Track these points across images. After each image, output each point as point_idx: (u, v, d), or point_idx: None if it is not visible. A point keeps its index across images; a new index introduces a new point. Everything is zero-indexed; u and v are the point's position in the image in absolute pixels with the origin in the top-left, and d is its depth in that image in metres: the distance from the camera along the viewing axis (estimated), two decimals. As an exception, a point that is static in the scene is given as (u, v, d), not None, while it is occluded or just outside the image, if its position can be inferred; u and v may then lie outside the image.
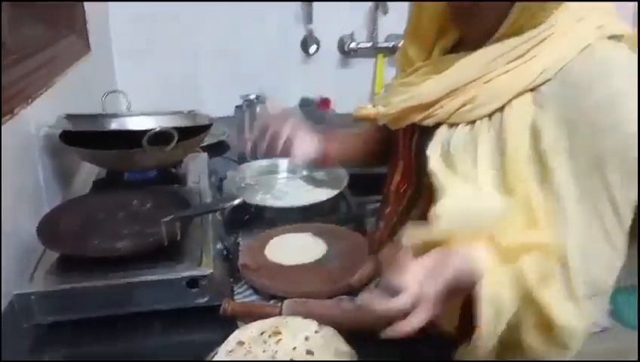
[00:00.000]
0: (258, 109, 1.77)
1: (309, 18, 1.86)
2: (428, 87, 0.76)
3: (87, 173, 1.23)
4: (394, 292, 0.60)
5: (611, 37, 0.67)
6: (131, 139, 1.05)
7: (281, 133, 0.95)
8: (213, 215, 1.01)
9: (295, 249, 1.00)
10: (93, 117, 1.15)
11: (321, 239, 1.04)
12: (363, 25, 1.94)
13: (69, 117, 1.12)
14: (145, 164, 1.12)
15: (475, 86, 0.71)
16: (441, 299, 0.61)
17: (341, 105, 1.99)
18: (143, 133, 1.03)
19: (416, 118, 0.78)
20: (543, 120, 0.66)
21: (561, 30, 0.68)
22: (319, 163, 1.01)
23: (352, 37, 1.92)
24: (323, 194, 1.24)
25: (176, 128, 1.06)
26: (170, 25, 1.84)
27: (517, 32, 0.69)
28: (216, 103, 1.84)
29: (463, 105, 0.72)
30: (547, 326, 0.65)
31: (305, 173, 1.40)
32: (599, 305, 0.69)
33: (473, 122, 0.72)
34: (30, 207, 1.02)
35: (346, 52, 1.94)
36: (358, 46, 1.93)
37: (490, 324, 0.61)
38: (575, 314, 0.65)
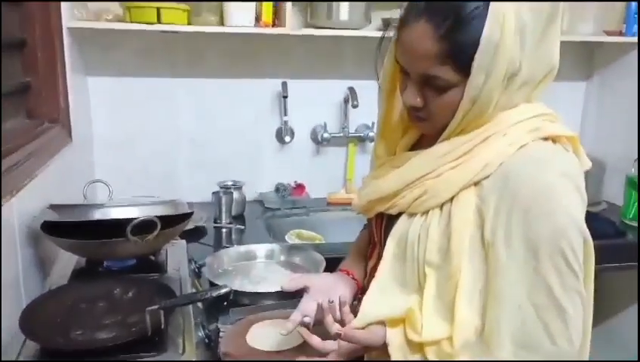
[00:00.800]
0: (235, 195, 1.83)
1: (284, 111, 1.97)
2: (389, 181, 0.85)
3: (66, 262, 1.23)
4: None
5: (546, 138, 0.77)
6: (112, 228, 1.07)
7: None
8: (193, 302, 1.02)
9: (276, 334, 1.02)
10: (76, 207, 1.18)
11: (301, 324, 1.05)
12: (334, 116, 2.06)
13: (53, 207, 1.14)
14: (126, 253, 1.14)
15: (427, 179, 0.80)
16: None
17: (315, 190, 2.06)
18: (126, 222, 1.06)
19: (382, 207, 0.87)
20: (485, 211, 0.75)
21: (502, 131, 0.77)
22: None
23: (324, 127, 2.03)
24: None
25: (158, 217, 1.10)
26: (149, 115, 1.92)
27: (463, 131, 0.78)
28: (193, 189, 1.90)
29: (419, 196, 0.81)
30: None
31: (282, 258, 1.43)
32: None
33: (427, 212, 0.80)
34: (8, 299, 1.02)
35: (319, 141, 2.04)
36: (331, 135, 2.03)
37: None
38: None
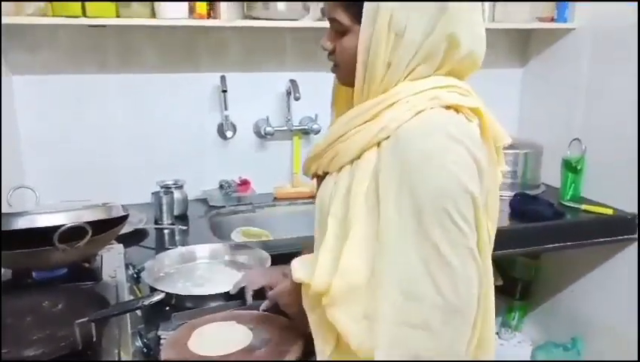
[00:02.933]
0: (177, 195, 1.77)
1: (224, 105, 1.91)
2: (318, 143, 0.93)
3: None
4: None
5: (448, 107, 0.81)
6: (40, 236, 1.00)
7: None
8: (130, 310, 0.97)
9: (220, 338, 0.98)
10: (-2, 215, 1.10)
11: (245, 326, 1.02)
12: (277, 109, 2.02)
13: (-29, 217, 1.06)
14: (55, 262, 1.07)
15: (340, 142, 0.87)
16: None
17: (261, 186, 2.02)
18: (54, 229, 0.99)
19: (314, 167, 0.95)
20: (380, 169, 0.80)
21: (405, 99, 0.82)
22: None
23: (267, 121, 1.99)
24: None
25: (89, 223, 1.03)
26: (80, 115, 1.83)
27: (370, 97, 0.85)
28: (131, 191, 1.82)
29: (333, 157, 0.89)
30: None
31: (227, 257, 1.39)
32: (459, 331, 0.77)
33: (340, 170, 0.88)
34: None
35: (263, 135, 2.00)
36: (274, 129, 1.99)
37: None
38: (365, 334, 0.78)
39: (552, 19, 2.06)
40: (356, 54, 0.83)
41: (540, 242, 1.79)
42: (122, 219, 1.17)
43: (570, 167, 1.94)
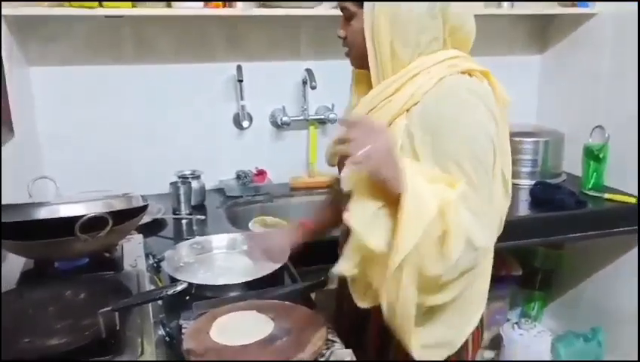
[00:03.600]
0: (194, 185, 1.77)
1: (240, 95, 1.90)
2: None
3: (13, 264, 1.16)
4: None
5: (463, 72, 0.93)
6: (62, 227, 1.01)
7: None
8: (152, 299, 0.97)
9: (241, 328, 0.98)
10: (20, 206, 1.10)
11: (266, 316, 1.02)
12: (293, 99, 2.01)
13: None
14: (77, 252, 1.07)
15: (370, 115, 0.95)
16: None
17: (277, 176, 2.01)
18: (75, 220, 1.00)
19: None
20: (412, 131, 0.91)
21: (426, 70, 0.92)
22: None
23: (283, 111, 1.98)
24: (266, 268, 1.23)
25: (109, 213, 1.03)
26: (97, 106, 1.83)
27: (391, 73, 0.94)
28: (149, 181, 1.82)
29: None
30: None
31: (245, 247, 1.39)
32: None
33: None
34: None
35: (279, 125, 1.98)
36: (291, 119, 1.98)
37: (411, 218, 0.80)
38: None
39: (574, 5, 2.01)
40: (364, 37, 0.93)
41: (562, 231, 1.76)
42: (142, 209, 1.17)
43: (592, 155, 1.90)
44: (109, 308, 0.79)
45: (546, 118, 2.25)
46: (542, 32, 2.24)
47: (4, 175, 1.37)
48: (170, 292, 0.86)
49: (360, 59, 0.97)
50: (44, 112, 1.78)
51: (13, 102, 1.51)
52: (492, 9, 1.98)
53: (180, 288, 0.86)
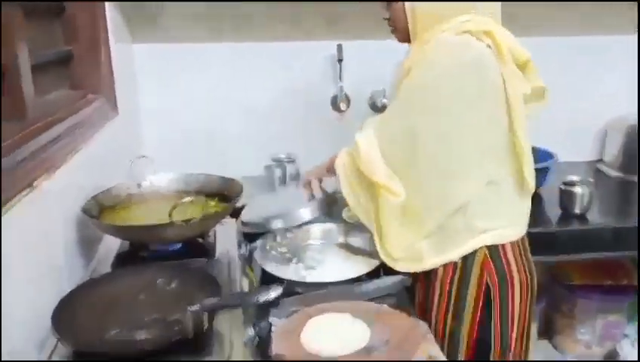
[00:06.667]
0: (289, 169, 1.72)
1: (339, 76, 1.81)
2: None
3: (110, 245, 1.16)
4: None
5: (464, 32, 1.01)
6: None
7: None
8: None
9: (335, 334, 0.89)
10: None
11: (362, 320, 0.93)
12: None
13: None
14: (173, 236, 1.05)
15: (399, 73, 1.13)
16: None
17: (374, 162, 1.90)
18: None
19: None
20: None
21: (436, 37, 1.03)
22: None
23: (384, 93, 1.86)
24: (362, 266, 1.14)
25: (206, 197, 1.00)
26: (195, 84, 1.82)
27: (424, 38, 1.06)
28: (241, 162, 1.79)
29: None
30: None
31: (340, 239, 1.31)
32: None
33: None
34: (50, 286, 0.94)
35: (379, 108, 1.87)
36: (391, 101, 1.86)
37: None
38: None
39: None
40: (403, 14, 1.06)
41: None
42: (237, 195, 1.12)
43: None
44: (197, 307, 0.74)
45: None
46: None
47: (107, 152, 1.38)
48: (262, 299, 0.79)
49: (403, 34, 1.10)
50: (146, 90, 1.80)
51: (118, 80, 1.52)
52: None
53: (273, 295, 0.79)
